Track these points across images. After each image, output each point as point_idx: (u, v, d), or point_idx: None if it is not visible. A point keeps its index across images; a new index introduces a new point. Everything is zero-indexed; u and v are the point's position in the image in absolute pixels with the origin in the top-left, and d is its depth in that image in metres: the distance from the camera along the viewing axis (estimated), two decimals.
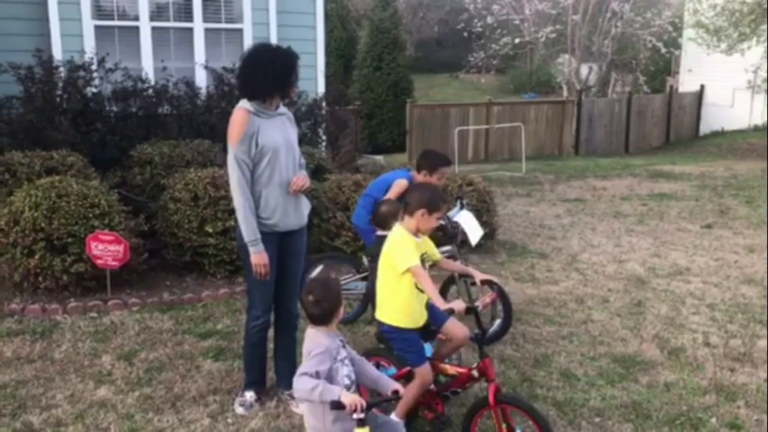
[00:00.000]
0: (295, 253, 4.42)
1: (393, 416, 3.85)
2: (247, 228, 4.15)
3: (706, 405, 4.59)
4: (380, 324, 3.93)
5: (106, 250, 5.97)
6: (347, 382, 3.26)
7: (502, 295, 5.55)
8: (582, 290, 6.84)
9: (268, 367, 4.62)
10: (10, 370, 4.87)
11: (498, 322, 5.57)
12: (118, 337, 5.46)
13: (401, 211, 3.97)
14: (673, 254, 8.18)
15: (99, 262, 5.98)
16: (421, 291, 3.81)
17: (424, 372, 3.81)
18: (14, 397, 4.50)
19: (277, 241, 4.29)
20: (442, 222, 5.13)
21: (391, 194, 5.32)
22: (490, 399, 3.61)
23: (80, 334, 5.49)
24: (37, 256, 5.92)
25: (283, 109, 4.36)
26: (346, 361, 3.32)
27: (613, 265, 7.70)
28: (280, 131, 4.25)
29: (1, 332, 5.48)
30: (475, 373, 3.76)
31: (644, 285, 7.02)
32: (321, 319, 3.26)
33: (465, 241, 6.09)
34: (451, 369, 3.93)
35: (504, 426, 3.67)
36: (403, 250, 3.73)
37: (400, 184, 5.34)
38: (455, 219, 5.77)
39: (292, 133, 4.39)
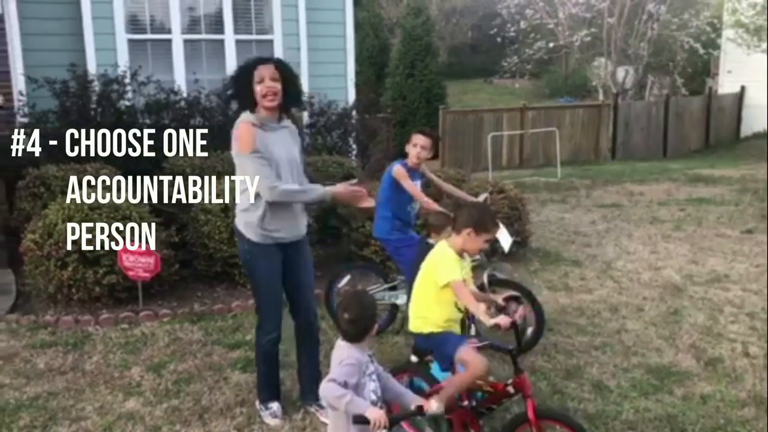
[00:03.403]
0: (303, 264, 4.40)
1: (434, 400, 3.66)
2: (310, 195, 4.21)
3: (745, 418, 4.44)
4: (414, 335, 3.88)
5: (137, 261, 6.03)
6: (373, 397, 3.21)
7: (534, 304, 5.46)
8: (616, 299, 6.70)
9: (294, 379, 4.61)
10: (43, 381, 4.94)
11: (529, 330, 5.47)
12: (148, 348, 5.50)
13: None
14: (711, 261, 7.98)
15: (130, 273, 6.05)
16: (460, 310, 3.76)
17: (471, 356, 3.64)
18: (45, 409, 4.55)
19: (281, 253, 4.27)
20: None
21: (406, 185, 5.26)
22: (530, 415, 3.52)
23: (111, 345, 5.55)
24: (70, 268, 6.00)
25: (286, 122, 4.32)
26: (373, 377, 3.27)
27: (648, 273, 7.53)
28: (282, 145, 4.19)
29: (36, 344, 5.56)
30: (510, 389, 3.66)
31: (681, 293, 6.85)
32: (354, 337, 3.21)
33: (496, 250, 6.02)
34: (485, 385, 3.84)
35: None
36: (444, 264, 3.69)
37: (397, 172, 5.29)
38: None
39: (294, 146, 4.32)
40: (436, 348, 3.86)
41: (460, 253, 3.76)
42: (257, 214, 4.17)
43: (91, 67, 8.65)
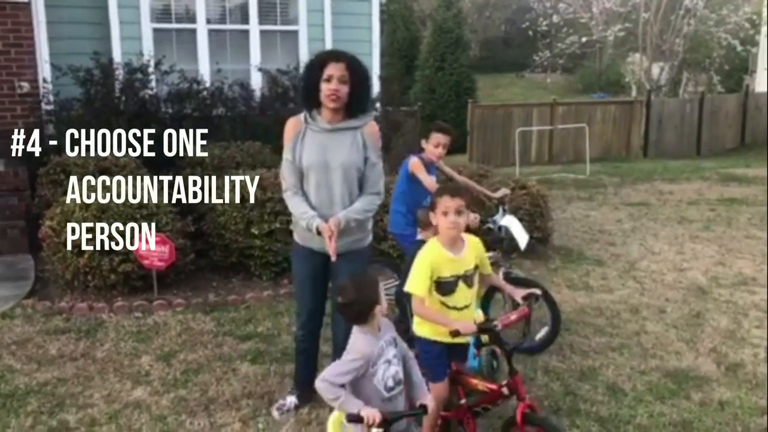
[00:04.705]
0: (338, 277, 4.01)
1: None
2: (298, 213, 3.98)
3: (764, 427, 4.29)
4: (413, 334, 3.78)
5: (153, 250, 6.02)
6: (391, 383, 3.12)
7: (549, 302, 5.36)
8: (638, 299, 6.55)
9: None
10: (53, 367, 4.96)
11: (545, 330, 5.37)
12: (159, 337, 5.50)
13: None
14: (739, 263, 7.76)
15: (145, 262, 6.05)
16: (452, 308, 3.59)
17: (438, 389, 3.61)
18: (54, 395, 4.56)
19: (316, 259, 4.08)
20: (473, 221, 4.97)
21: (422, 178, 5.16)
22: (518, 419, 3.43)
23: (123, 333, 5.56)
24: (86, 256, 6.02)
25: (354, 122, 4.00)
26: (394, 360, 3.17)
27: (673, 274, 7.35)
28: (320, 149, 3.96)
29: (49, 330, 5.59)
30: (505, 390, 3.55)
31: (705, 295, 6.67)
32: (355, 319, 3.15)
33: (514, 247, 5.90)
34: (480, 385, 3.75)
35: None
36: (414, 270, 3.52)
37: (414, 165, 5.19)
38: (501, 223, 5.59)
39: (353, 151, 3.97)
40: (422, 356, 3.64)
41: (450, 245, 3.55)
42: (293, 215, 4.13)
43: (116, 56, 8.67)
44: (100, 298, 6.15)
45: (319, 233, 3.88)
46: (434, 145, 5.22)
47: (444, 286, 3.53)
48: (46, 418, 4.30)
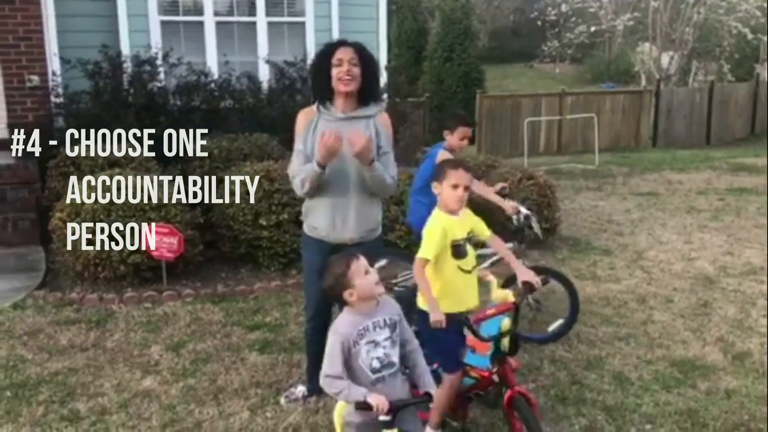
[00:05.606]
0: None
1: (429, 429, 3.71)
2: (306, 176, 3.92)
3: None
4: (417, 313, 3.69)
5: (162, 241, 6.07)
6: (376, 365, 3.10)
7: (569, 291, 5.44)
8: (645, 289, 6.55)
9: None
10: (64, 357, 5.01)
11: (560, 321, 5.38)
12: (169, 327, 5.55)
13: None
14: (747, 252, 7.75)
15: (154, 253, 6.10)
16: (466, 272, 3.63)
17: (452, 379, 3.64)
18: (65, 385, 4.62)
19: (326, 250, 4.00)
20: (513, 208, 5.33)
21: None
22: (504, 405, 3.52)
23: (133, 324, 5.61)
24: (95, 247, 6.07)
25: (367, 111, 4.03)
26: (385, 343, 3.14)
27: (681, 263, 7.35)
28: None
29: (60, 320, 5.65)
30: (495, 378, 3.63)
31: (713, 285, 6.67)
32: (338, 302, 3.19)
33: (532, 237, 5.94)
34: (472, 372, 3.79)
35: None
36: (428, 237, 3.60)
37: (442, 157, 5.24)
38: (524, 211, 5.62)
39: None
40: (427, 342, 3.50)
41: (452, 212, 3.65)
42: (303, 206, 4.16)
43: (125, 49, 8.68)
44: (110, 289, 6.21)
45: (322, 168, 3.82)
46: (460, 138, 5.31)
47: (459, 250, 3.62)
48: (57, 407, 4.36)
